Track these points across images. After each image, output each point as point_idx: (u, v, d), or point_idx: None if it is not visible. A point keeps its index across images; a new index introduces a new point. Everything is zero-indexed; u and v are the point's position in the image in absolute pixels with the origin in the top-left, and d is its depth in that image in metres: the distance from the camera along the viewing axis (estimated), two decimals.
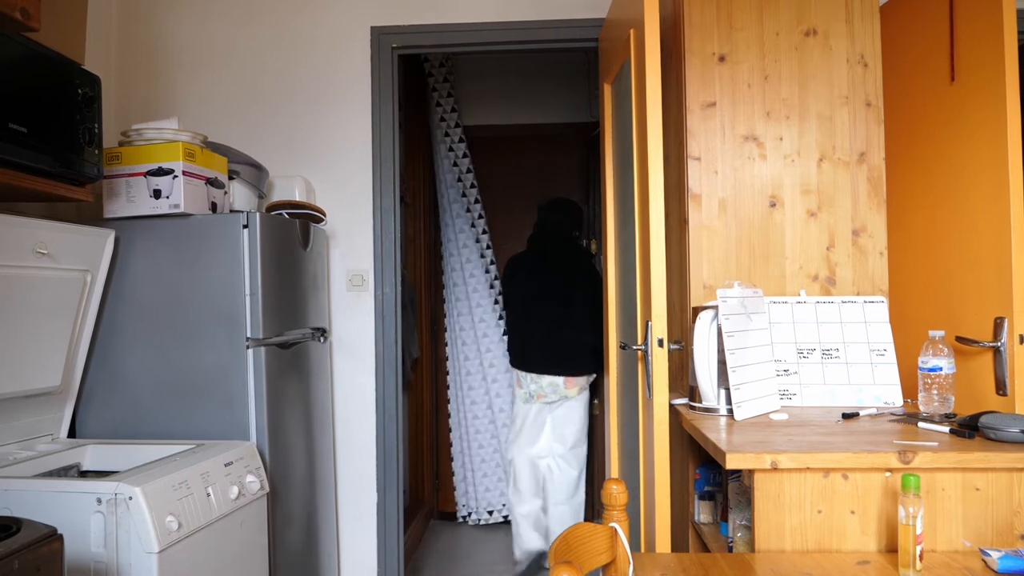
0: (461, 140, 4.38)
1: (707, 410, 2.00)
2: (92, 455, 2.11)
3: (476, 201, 4.39)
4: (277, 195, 2.83)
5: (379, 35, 2.98)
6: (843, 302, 2.20)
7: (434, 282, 4.67)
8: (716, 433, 1.74)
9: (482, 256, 4.40)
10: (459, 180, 4.40)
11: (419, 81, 4.47)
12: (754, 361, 2.00)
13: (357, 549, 2.98)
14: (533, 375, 3.55)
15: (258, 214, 2.27)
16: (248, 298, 2.24)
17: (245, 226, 2.25)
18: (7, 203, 2.07)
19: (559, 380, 3.53)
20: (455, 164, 4.39)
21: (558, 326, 3.51)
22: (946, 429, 1.70)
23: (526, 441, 3.66)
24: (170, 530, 1.69)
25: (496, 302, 4.37)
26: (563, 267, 3.59)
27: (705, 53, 2.38)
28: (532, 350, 3.56)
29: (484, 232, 4.39)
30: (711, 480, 2.21)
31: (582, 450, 3.66)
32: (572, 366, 3.51)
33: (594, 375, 3.60)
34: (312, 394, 2.69)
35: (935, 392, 1.81)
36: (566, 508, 3.63)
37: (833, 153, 2.36)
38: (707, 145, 2.38)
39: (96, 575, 1.64)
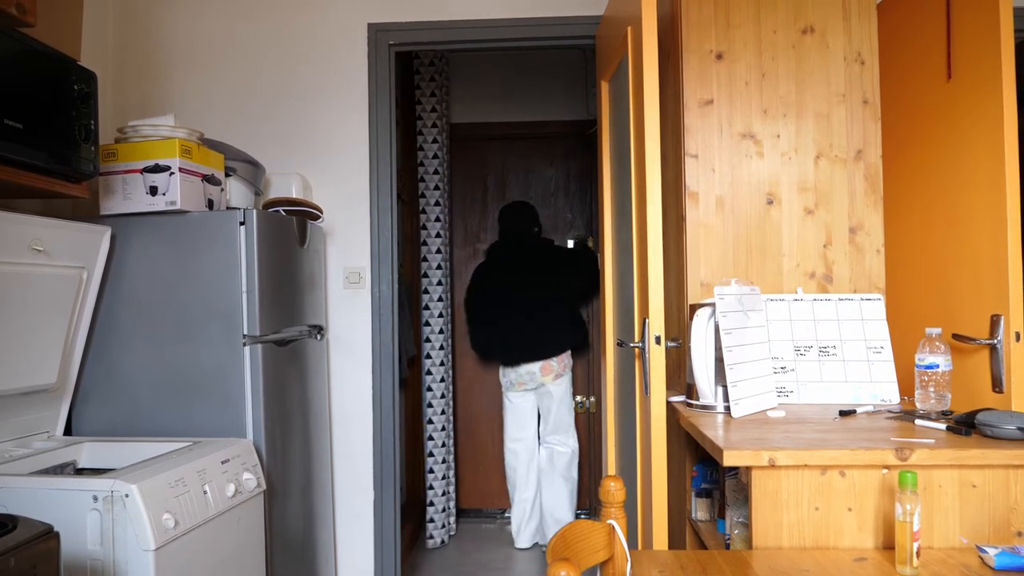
0: (434, 141, 4.32)
1: (704, 407, 2.00)
2: (88, 452, 2.11)
3: (436, 204, 4.31)
4: (274, 192, 2.82)
5: (376, 32, 2.97)
6: (840, 299, 2.20)
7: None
8: (713, 430, 1.74)
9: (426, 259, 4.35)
10: (421, 179, 4.34)
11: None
12: (751, 358, 2.01)
13: (354, 546, 2.98)
14: (510, 367, 3.85)
15: (255, 211, 2.27)
16: (245, 295, 2.24)
17: (242, 223, 2.24)
18: (2, 200, 2.06)
19: (535, 368, 3.79)
20: (420, 163, 4.33)
21: (528, 316, 3.80)
22: (943, 426, 1.70)
23: (512, 430, 3.93)
24: (166, 528, 1.68)
25: (440, 313, 4.32)
26: (527, 263, 3.88)
27: (703, 51, 2.38)
28: (508, 342, 3.83)
29: (438, 236, 4.32)
30: (708, 477, 2.21)
31: (566, 436, 3.89)
32: (544, 351, 3.78)
33: (570, 361, 3.84)
34: (309, 392, 2.68)
35: (932, 389, 1.81)
36: (563, 487, 3.86)
37: (830, 151, 2.36)
38: (704, 143, 2.38)
39: (92, 573, 1.64)
